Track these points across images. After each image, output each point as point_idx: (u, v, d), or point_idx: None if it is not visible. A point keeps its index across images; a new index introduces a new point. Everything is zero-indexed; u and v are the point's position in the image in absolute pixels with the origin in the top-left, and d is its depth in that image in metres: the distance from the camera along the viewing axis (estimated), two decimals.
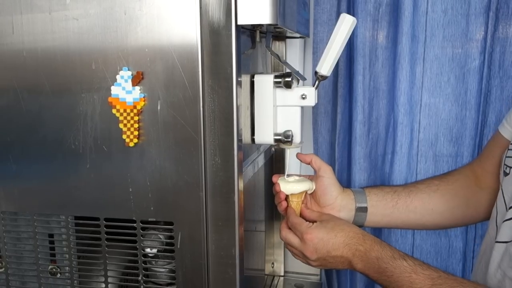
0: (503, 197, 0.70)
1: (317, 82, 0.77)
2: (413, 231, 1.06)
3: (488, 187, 0.80)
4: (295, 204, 0.79)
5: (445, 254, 1.05)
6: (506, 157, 0.71)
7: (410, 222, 0.83)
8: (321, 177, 0.81)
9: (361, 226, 0.82)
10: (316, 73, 0.77)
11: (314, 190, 0.81)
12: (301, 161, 0.83)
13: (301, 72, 1.12)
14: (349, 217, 0.81)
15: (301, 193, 0.79)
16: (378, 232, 1.06)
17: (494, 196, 0.75)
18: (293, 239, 0.74)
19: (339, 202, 0.81)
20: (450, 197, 0.82)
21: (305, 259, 0.74)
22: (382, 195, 0.83)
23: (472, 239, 1.04)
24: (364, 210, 0.81)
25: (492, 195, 0.78)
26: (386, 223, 0.84)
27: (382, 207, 0.82)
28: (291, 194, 0.79)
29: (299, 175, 0.83)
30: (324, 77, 0.77)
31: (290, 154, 0.84)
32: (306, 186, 0.79)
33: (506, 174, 0.70)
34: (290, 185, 0.79)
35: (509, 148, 0.72)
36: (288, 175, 0.82)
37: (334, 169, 1.10)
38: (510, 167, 0.69)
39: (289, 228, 0.76)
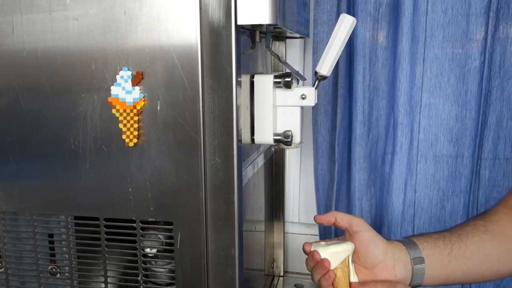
0: None
1: (317, 82, 0.77)
2: (413, 231, 1.06)
3: None
4: (341, 274, 0.65)
5: None
6: None
7: (470, 272, 0.71)
8: (357, 232, 0.67)
9: (419, 286, 0.70)
10: (316, 73, 0.77)
11: (355, 253, 0.67)
12: (323, 224, 0.71)
13: (301, 72, 1.12)
14: (407, 273, 0.68)
15: (345, 258, 0.65)
16: (378, 230, 1.06)
17: None
18: None
19: (391, 256, 0.67)
20: (502, 239, 0.72)
21: None
22: (434, 242, 0.71)
23: None
24: (421, 261, 0.68)
25: None
26: (445, 277, 0.70)
27: (438, 256, 0.69)
28: (335, 268, 0.64)
29: (331, 240, 0.70)
30: (324, 77, 0.77)
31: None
32: (350, 246, 0.66)
33: None
34: (331, 249, 0.64)
35: None
36: (317, 242, 0.68)
37: (334, 169, 1.10)
38: None
39: None
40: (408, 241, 0.70)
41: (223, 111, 0.61)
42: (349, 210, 1.10)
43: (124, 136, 0.64)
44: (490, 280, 0.86)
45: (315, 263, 0.66)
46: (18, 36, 0.65)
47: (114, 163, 0.65)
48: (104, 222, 0.67)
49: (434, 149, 1.03)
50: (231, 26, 0.59)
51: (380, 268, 0.66)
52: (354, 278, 0.66)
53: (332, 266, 0.65)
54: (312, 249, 0.65)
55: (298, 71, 0.78)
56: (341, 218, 0.68)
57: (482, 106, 0.98)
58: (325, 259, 0.64)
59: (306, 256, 0.69)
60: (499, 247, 0.71)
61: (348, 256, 0.66)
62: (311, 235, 1.20)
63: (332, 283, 0.65)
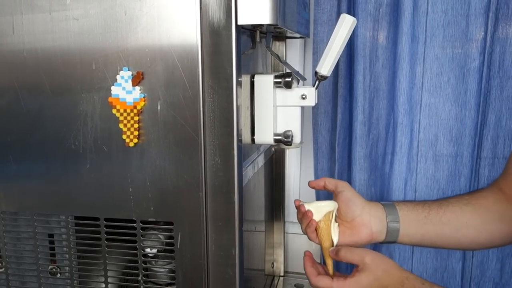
0: None
1: (317, 82, 0.77)
2: None
3: None
4: (324, 226, 0.74)
5: (445, 254, 1.05)
6: None
7: (445, 237, 0.78)
8: (340, 192, 0.77)
9: (394, 241, 0.78)
10: (316, 73, 0.77)
11: (339, 210, 0.77)
12: (315, 188, 0.80)
13: (301, 72, 1.12)
14: (382, 228, 0.77)
15: (329, 213, 0.74)
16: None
17: None
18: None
19: (368, 212, 0.77)
20: (483, 212, 0.77)
21: None
22: (412, 206, 0.79)
23: None
24: (396, 219, 0.77)
25: None
26: (420, 237, 0.78)
27: (414, 218, 0.78)
28: (319, 220, 0.74)
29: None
30: (324, 77, 0.77)
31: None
32: (332, 204, 0.75)
33: None
34: (315, 204, 0.75)
35: None
36: (307, 202, 0.77)
37: (334, 170, 1.11)
38: None
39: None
40: (388, 203, 0.79)
41: (223, 111, 0.61)
42: None
43: (124, 136, 0.64)
44: (468, 249, 0.89)
45: (301, 215, 0.76)
46: (18, 36, 0.65)
47: (114, 163, 0.65)
48: (104, 222, 0.67)
49: (434, 149, 1.03)
50: (231, 26, 0.59)
51: (357, 221, 0.76)
52: (335, 235, 0.75)
53: (316, 218, 0.74)
54: (300, 204, 0.76)
55: (298, 71, 0.78)
56: (329, 182, 0.79)
57: (482, 106, 0.99)
58: (309, 210, 0.74)
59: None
60: (478, 218, 0.77)
61: (332, 212, 0.75)
62: None
63: (317, 234, 0.75)
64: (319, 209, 0.74)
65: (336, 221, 0.76)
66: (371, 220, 0.76)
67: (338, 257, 0.71)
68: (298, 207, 0.77)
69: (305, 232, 0.77)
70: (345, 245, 0.75)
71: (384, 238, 0.77)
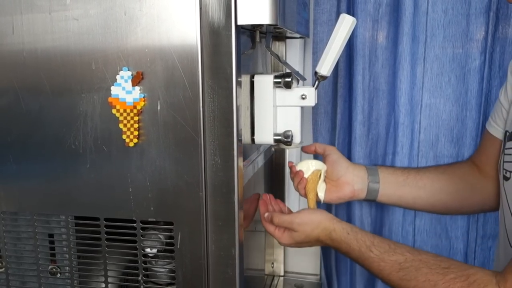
0: (508, 202, 0.69)
1: (317, 82, 0.77)
2: (414, 232, 1.06)
3: (491, 176, 0.82)
4: (310, 182, 0.85)
5: (446, 256, 1.05)
6: (504, 162, 0.72)
7: (421, 200, 0.87)
8: (328, 155, 0.88)
9: (374, 200, 0.88)
10: (316, 73, 0.77)
11: (327, 171, 0.87)
12: (307, 152, 0.90)
13: (301, 72, 1.12)
14: (363, 187, 0.87)
15: (317, 171, 0.85)
16: (379, 230, 1.06)
17: (499, 186, 0.78)
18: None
19: (351, 172, 0.88)
20: (457, 180, 0.86)
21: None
22: (393, 170, 0.91)
23: (474, 240, 1.04)
24: (376, 180, 0.88)
25: (496, 185, 0.81)
26: (398, 198, 0.88)
27: (394, 180, 0.88)
28: (309, 177, 0.85)
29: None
30: (324, 77, 0.77)
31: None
32: (320, 164, 0.85)
33: (506, 178, 0.70)
34: (305, 162, 0.85)
35: (505, 152, 0.72)
36: (299, 162, 0.88)
37: None
38: (510, 172, 0.69)
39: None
40: (371, 167, 0.91)
41: (223, 111, 0.61)
42: (349, 211, 1.10)
43: (124, 136, 0.64)
44: (440, 213, 0.95)
45: (294, 174, 0.87)
46: (18, 36, 0.65)
47: (114, 163, 0.65)
48: (104, 222, 0.67)
49: (435, 150, 1.03)
50: (231, 26, 0.59)
51: (342, 180, 0.88)
52: (321, 192, 0.86)
53: (306, 175, 0.85)
54: (292, 165, 0.88)
55: (298, 71, 0.78)
56: (319, 146, 0.90)
57: (483, 106, 0.98)
58: (300, 170, 0.85)
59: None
60: (452, 186, 0.86)
61: (320, 172, 0.86)
62: None
63: (304, 188, 0.86)
64: (309, 168, 0.85)
65: (324, 181, 0.87)
66: (354, 179, 0.88)
67: (273, 223, 0.80)
68: (290, 168, 0.87)
69: (296, 188, 0.87)
70: (330, 200, 0.87)
71: (365, 196, 0.88)
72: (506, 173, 0.70)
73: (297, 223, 0.77)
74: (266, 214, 0.82)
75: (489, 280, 0.60)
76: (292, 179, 0.88)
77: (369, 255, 0.71)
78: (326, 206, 1.12)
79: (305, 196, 0.86)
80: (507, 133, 0.75)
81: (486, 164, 0.84)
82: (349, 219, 1.09)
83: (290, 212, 0.85)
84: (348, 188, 0.88)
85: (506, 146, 0.73)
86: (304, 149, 0.90)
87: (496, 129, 0.80)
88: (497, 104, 0.81)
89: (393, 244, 0.71)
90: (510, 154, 0.71)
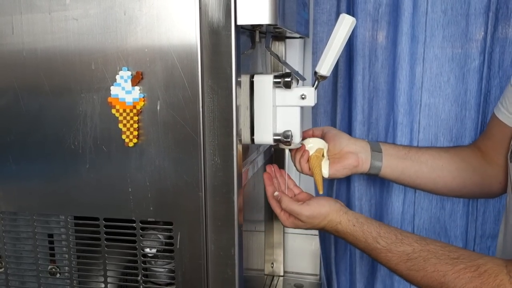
0: None
1: (316, 82, 0.77)
2: (413, 231, 1.06)
3: (494, 162, 0.81)
4: (315, 159, 0.84)
5: None
6: None
7: (423, 175, 0.85)
8: (326, 132, 0.87)
9: (377, 174, 0.86)
10: (315, 73, 0.77)
11: (329, 148, 0.86)
12: (305, 137, 0.87)
13: (300, 72, 1.12)
14: (367, 157, 0.85)
15: (320, 149, 0.85)
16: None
17: (501, 173, 0.78)
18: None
19: (354, 143, 0.86)
20: (459, 160, 0.85)
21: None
22: (394, 145, 0.90)
23: (472, 239, 1.04)
24: (379, 150, 0.86)
25: (499, 172, 0.80)
26: (401, 171, 0.86)
27: (395, 153, 0.86)
28: (312, 154, 0.84)
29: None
30: (323, 77, 0.77)
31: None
32: (321, 142, 0.85)
33: None
34: (306, 141, 0.85)
35: None
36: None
37: None
38: None
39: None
40: (372, 141, 0.89)
41: (223, 111, 0.61)
42: None
43: (124, 136, 0.64)
44: (443, 194, 0.92)
45: (295, 151, 0.86)
46: (18, 36, 0.65)
47: (114, 163, 0.65)
48: (104, 222, 0.67)
49: None
50: (231, 26, 0.59)
51: (345, 150, 0.85)
52: (325, 168, 0.85)
53: (310, 158, 0.85)
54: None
55: (298, 71, 0.78)
56: (316, 129, 0.90)
57: (482, 106, 0.98)
58: (303, 144, 0.85)
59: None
60: (454, 165, 0.85)
61: (323, 150, 0.85)
62: (311, 234, 1.20)
63: (309, 167, 0.84)
64: (311, 146, 0.85)
65: (328, 159, 0.86)
66: (357, 149, 0.86)
67: (280, 205, 0.79)
68: (291, 151, 0.86)
69: (298, 166, 0.86)
70: (336, 172, 0.84)
71: (369, 167, 0.86)
72: None
73: (305, 216, 0.76)
74: (275, 193, 0.81)
75: (500, 270, 0.59)
76: (293, 157, 0.87)
77: (375, 246, 0.70)
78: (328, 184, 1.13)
79: (307, 173, 0.85)
80: None
81: (491, 149, 0.82)
82: None
83: (295, 187, 0.85)
84: (352, 157, 0.85)
85: None
86: (304, 135, 0.88)
87: (505, 115, 0.77)
88: (508, 89, 0.77)
89: (400, 234, 0.70)
90: None
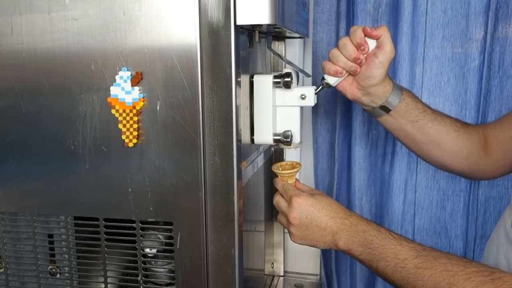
0: None
1: (320, 87, 0.76)
2: (413, 231, 1.06)
3: (491, 156, 0.80)
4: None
5: None
6: None
7: (419, 145, 0.82)
8: (373, 56, 0.74)
9: (388, 111, 0.79)
10: (323, 78, 0.76)
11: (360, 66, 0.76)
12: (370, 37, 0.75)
13: None
14: (389, 88, 0.77)
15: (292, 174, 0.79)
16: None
17: (494, 169, 0.79)
18: (282, 202, 0.74)
19: (381, 79, 0.76)
20: (461, 145, 0.82)
21: (288, 225, 0.73)
22: (413, 105, 0.80)
23: (472, 239, 1.04)
24: (400, 94, 0.79)
25: (493, 166, 0.80)
26: (400, 129, 0.81)
27: (408, 116, 0.80)
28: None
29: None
30: (329, 86, 0.76)
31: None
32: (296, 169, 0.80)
33: None
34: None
35: None
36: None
37: (334, 169, 1.10)
38: None
39: (281, 194, 0.76)
40: (398, 86, 0.80)
41: (222, 111, 0.61)
42: (348, 209, 1.10)
43: (123, 137, 0.64)
44: (445, 166, 0.87)
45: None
46: (17, 36, 0.65)
47: (114, 164, 0.65)
48: (103, 222, 0.67)
49: None
50: (230, 26, 0.59)
51: (369, 78, 0.75)
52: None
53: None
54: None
55: (302, 68, 0.77)
56: (383, 36, 0.74)
57: (482, 106, 0.98)
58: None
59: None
60: (453, 147, 0.81)
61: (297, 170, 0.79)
62: None
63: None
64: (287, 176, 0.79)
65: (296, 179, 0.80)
66: (380, 82, 0.76)
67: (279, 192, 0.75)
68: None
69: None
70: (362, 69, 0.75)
71: (387, 96, 0.77)
72: None
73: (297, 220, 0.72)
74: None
75: None
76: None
77: (387, 236, 0.66)
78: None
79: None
80: None
81: (497, 141, 0.80)
82: None
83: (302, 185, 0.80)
84: (379, 71, 0.75)
85: None
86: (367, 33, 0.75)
87: None
88: None
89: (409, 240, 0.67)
90: None
